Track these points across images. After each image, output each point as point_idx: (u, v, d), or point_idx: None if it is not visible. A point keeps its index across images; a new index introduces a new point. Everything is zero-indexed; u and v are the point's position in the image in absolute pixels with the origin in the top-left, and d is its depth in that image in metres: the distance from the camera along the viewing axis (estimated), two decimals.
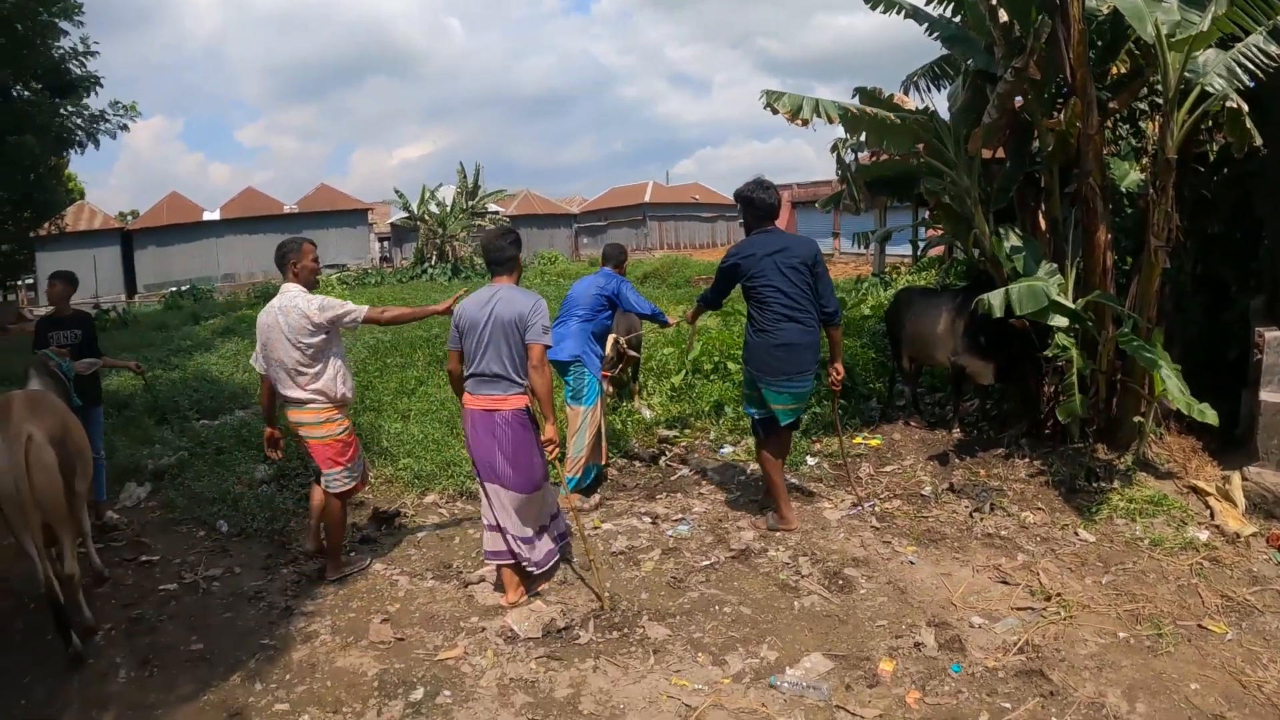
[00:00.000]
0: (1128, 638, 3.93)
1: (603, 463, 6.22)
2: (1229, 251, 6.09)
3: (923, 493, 5.66)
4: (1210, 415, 4.84)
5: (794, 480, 6.02)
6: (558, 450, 4.44)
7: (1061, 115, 5.01)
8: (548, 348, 4.30)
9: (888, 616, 4.20)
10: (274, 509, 5.91)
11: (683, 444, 7.09)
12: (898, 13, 6.01)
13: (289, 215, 42.20)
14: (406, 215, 34.39)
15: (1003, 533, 5.04)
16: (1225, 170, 6.11)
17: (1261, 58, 4.72)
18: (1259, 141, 4.85)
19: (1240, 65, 4.78)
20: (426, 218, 32.68)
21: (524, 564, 4.54)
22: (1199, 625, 4.01)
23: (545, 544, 4.64)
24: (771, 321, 4.90)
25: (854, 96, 6.00)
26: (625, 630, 4.20)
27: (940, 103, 6.51)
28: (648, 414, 7.54)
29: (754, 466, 6.35)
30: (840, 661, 3.84)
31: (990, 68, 5.57)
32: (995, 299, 5.15)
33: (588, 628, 4.24)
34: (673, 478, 6.38)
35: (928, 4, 6.07)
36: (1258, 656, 3.76)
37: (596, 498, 6.01)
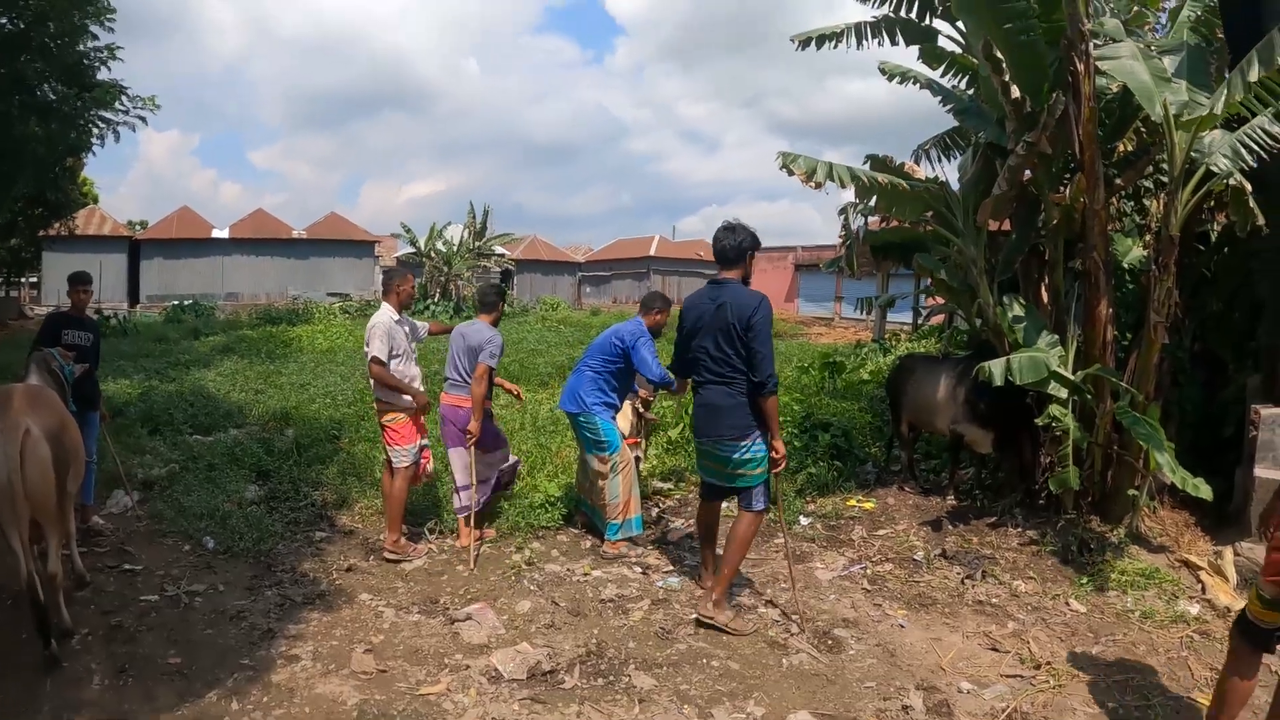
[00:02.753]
0: (1115, 707, 3.90)
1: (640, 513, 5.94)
2: (1227, 330, 6.14)
3: (915, 557, 5.61)
4: (1204, 490, 4.86)
5: (779, 540, 5.91)
6: (473, 439, 5.67)
7: (1068, 190, 5.08)
8: (491, 368, 5.59)
9: (876, 678, 4.14)
10: (262, 530, 5.84)
11: (676, 497, 7.00)
12: (913, 83, 6.14)
13: (297, 240, 42.56)
14: (413, 250, 34.57)
15: (994, 600, 5.00)
16: (1225, 249, 6.19)
17: (1266, 139, 4.81)
18: (1261, 221, 4.94)
19: (1245, 146, 4.86)
20: (433, 254, 32.90)
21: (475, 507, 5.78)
22: (1189, 698, 3.99)
23: (486, 491, 6.04)
24: (698, 381, 4.71)
25: (865, 163, 6.10)
26: (611, 678, 4.13)
27: (950, 173, 6.62)
28: (642, 466, 7.42)
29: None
30: None
31: (1000, 141, 5.69)
32: (996, 367, 5.18)
33: (573, 673, 4.17)
34: (666, 529, 6.32)
35: (942, 77, 6.20)
36: None
37: (583, 543, 5.98)
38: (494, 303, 5.94)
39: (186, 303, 30.48)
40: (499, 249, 38.14)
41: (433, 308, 29.25)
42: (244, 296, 38.75)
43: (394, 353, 5.50)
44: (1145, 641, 4.52)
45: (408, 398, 5.56)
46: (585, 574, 5.42)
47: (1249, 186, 4.85)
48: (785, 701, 3.93)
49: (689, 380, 4.99)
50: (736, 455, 4.57)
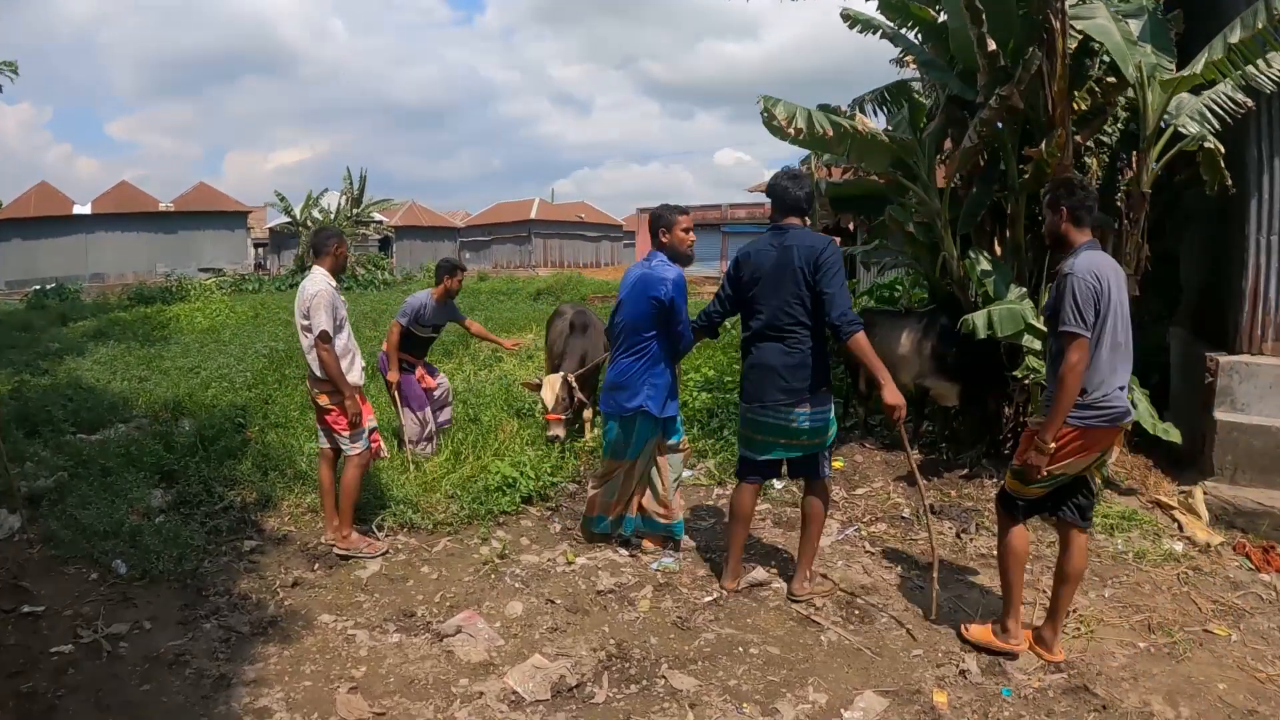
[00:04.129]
0: (1147, 647, 3.87)
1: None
2: (1152, 284, 6.18)
3: (903, 515, 5.40)
4: (1174, 434, 4.93)
5: (765, 505, 5.50)
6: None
7: (1043, 146, 4.87)
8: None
9: (921, 646, 3.87)
10: (181, 545, 4.69)
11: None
12: (874, 32, 5.73)
13: (165, 214, 38.37)
14: (288, 220, 31.60)
15: (995, 552, 4.71)
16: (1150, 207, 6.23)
17: (1230, 104, 4.85)
18: (1229, 181, 4.96)
19: (1210, 110, 4.89)
20: (309, 224, 30.00)
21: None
22: (1204, 630, 4.02)
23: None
24: (750, 340, 4.16)
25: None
26: (645, 682, 3.58)
27: (883, 126, 6.27)
28: (590, 437, 6.70)
29: (719, 490, 5.88)
30: (893, 698, 3.47)
31: (964, 94, 5.49)
32: (979, 320, 5.02)
33: (602, 683, 3.58)
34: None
35: (900, 29, 5.81)
36: (1263, 654, 3.83)
37: (555, 526, 5.33)
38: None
39: (49, 286, 26.55)
40: (377, 215, 35.59)
41: None
42: (110, 276, 34.55)
43: (339, 324, 4.65)
44: (1147, 581, 4.51)
45: (356, 377, 4.71)
46: (569, 563, 4.77)
47: (1223, 149, 4.86)
48: (843, 684, 3.58)
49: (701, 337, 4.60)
50: (798, 423, 4.04)
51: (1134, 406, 4.88)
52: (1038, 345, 5.06)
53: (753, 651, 3.80)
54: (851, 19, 5.81)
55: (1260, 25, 4.25)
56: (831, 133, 4.83)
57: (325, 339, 4.52)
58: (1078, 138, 5.29)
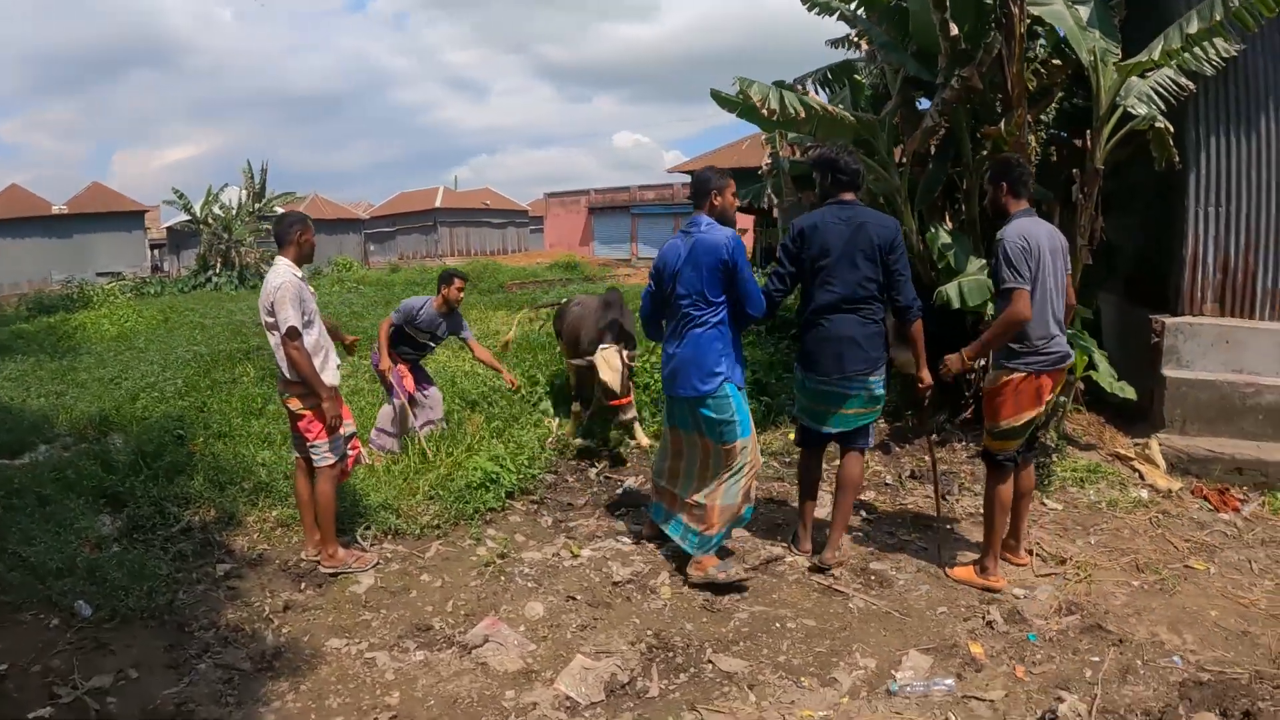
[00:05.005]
0: (1141, 585, 4.09)
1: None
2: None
3: (886, 481, 5.50)
4: (1130, 391, 5.15)
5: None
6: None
7: (1002, 125, 4.96)
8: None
9: (944, 603, 3.95)
10: (148, 576, 4.05)
11: (607, 454, 6.06)
12: (831, 15, 5.75)
13: (59, 217, 34.82)
14: (188, 219, 28.81)
15: (981, 511, 4.81)
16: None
17: (1173, 87, 5.14)
18: (1177, 158, 5.25)
19: (1156, 92, 5.16)
20: (210, 221, 27.52)
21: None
22: (1185, 566, 4.28)
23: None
24: (820, 311, 4.03)
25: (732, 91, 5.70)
26: (693, 670, 3.44)
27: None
28: (554, 425, 6.42)
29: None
30: (935, 654, 3.52)
31: (922, 75, 5.59)
32: (951, 292, 5.20)
33: (652, 676, 3.40)
34: (618, 491, 5.47)
35: (856, 10, 5.83)
36: (1239, 583, 4.10)
37: (544, 519, 5.07)
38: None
39: None
40: (280, 209, 33.28)
41: (215, 279, 24.60)
42: (4, 286, 30.89)
43: (307, 319, 4.15)
44: (1125, 527, 4.74)
45: (331, 376, 4.23)
46: (574, 556, 4.53)
47: (1171, 128, 5.13)
48: (886, 646, 3.59)
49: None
50: (866, 391, 4.11)
51: (1095, 368, 5.12)
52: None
53: (790, 626, 3.74)
54: (810, 2, 5.82)
55: (1217, 18, 4.54)
56: (804, 113, 4.81)
57: (293, 335, 4.03)
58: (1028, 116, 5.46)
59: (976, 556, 4.14)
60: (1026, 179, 3.88)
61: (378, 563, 4.38)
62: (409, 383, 5.82)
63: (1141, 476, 5.17)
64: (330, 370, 4.24)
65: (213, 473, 5.26)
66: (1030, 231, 3.75)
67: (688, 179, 26.43)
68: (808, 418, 4.30)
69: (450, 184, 53.02)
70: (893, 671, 3.36)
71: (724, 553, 4.27)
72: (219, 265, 27.03)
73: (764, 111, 4.84)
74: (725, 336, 4.04)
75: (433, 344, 5.97)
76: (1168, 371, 5.51)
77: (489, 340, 8.30)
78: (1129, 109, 5.12)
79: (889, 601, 3.92)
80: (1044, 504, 4.97)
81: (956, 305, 5.09)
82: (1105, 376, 5.12)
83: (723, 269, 3.94)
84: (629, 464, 5.99)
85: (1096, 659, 3.42)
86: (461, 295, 5.82)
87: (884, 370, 4.12)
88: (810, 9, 5.83)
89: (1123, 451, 5.40)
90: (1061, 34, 5.29)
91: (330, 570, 4.28)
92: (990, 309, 5.12)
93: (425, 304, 5.76)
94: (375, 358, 5.79)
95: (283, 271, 4.15)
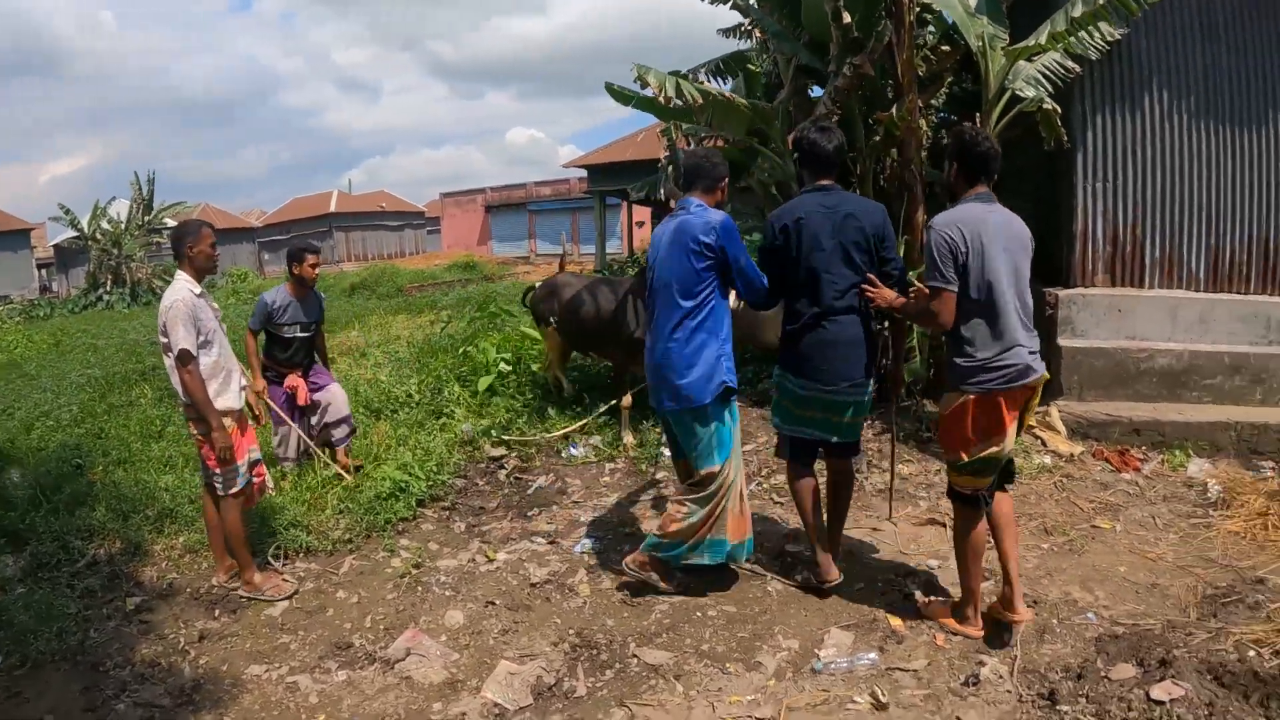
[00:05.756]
0: (1050, 547, 4.25)
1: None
2: None
3: None
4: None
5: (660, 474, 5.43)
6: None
7: (895, 110, 5.10)
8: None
9: (860, 579, 3.99)
10: (55, 615, 3.86)
11: (514, 455, 5.97)
12: (724, 4, 5.84)
13: None
14: (75, 235, 27.37)
15: (883, 482, 5.03)
16: None
17: (1060, 69, 5.34)
18: (1065, 138, 5.47)
19: (1043, 75, 5.36)
20: (99, 237, 26.17)
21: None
22: (1091, 526, 4.46)
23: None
24: (818, 313, 3.57)
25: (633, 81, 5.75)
26: (619, 666, 3.45)
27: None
28: (467, 428, 6.29)
29: (613, 465, 5.71)
30: (856, 630, 3.60)
31: (813, 64, 5.67)
32: None
33: (577, 675, 3.39)
34: (529, 491, 5.46)
35: (751, 1, 5.93)
36: (1145, 539, 4.32)
37: (457, 526, 5.00)
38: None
39: None
40: (170, 221, 31.77)
41: (106, 297, 23.40)
42: None
43: (204, 339, 3.94)
44: (1032, 492, 4.90)
45: (230, 400, 4.04)
46: (490, 560, 4.48)
47: (1059, 109, 5.31)
48: (808, 625, 3.65)
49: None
50: (865, 398, 3.71)
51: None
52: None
53: (711, 614, 3.76)
54: None
55: (1101, 2, 4.73)
56: (700, 100, 4.86)
57: (185, 359, 3.82)
58: (919, 101, 5.62)
59: (956, 596, 3.59)
60: (984, 159, 3.25)
61: (296, 592, 4.20)
62: (303, 394, 5.34)
63: (1044, 443, 5.35)
64: (231, 394, 4.05)
65: (115, 502, 5.05)
66: (965, 223, 3.17)
67: (584, 174, 26.00)
68: (804, 427, 3.76)
69: (345, 187, 51.59)
70: (816, 650, 3.40)
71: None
72: (110, 283, 25.97)
73: (661, 98, 4.87)
74: (705, 339, 3.61)
75: (308, 334, 5.38)
76: (1063, 341, 5.71)
77: (390, 345, 8.18)
78: (1018, 92, 5.31)
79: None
80: None
81: None
82: None
83: (705, 254, 3.56)
84: (538, 462, 5.88)
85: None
86: (316, 272, 5.35)
87: (872, 377, 3.70)
88: (711, 1, 5.88)
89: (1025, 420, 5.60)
90: (951, 21, 5.45)
91: (247, 595, 4.14)
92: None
93: (279, 293, 5.30)
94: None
95: (178, 288, 3.95)
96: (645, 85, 4.99)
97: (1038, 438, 5.42)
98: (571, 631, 3.67)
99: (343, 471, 5.25)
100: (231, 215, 46.93)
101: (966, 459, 3.28)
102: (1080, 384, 5.66)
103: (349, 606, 4.06)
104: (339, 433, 5.48)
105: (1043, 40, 4.98)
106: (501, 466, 5.82)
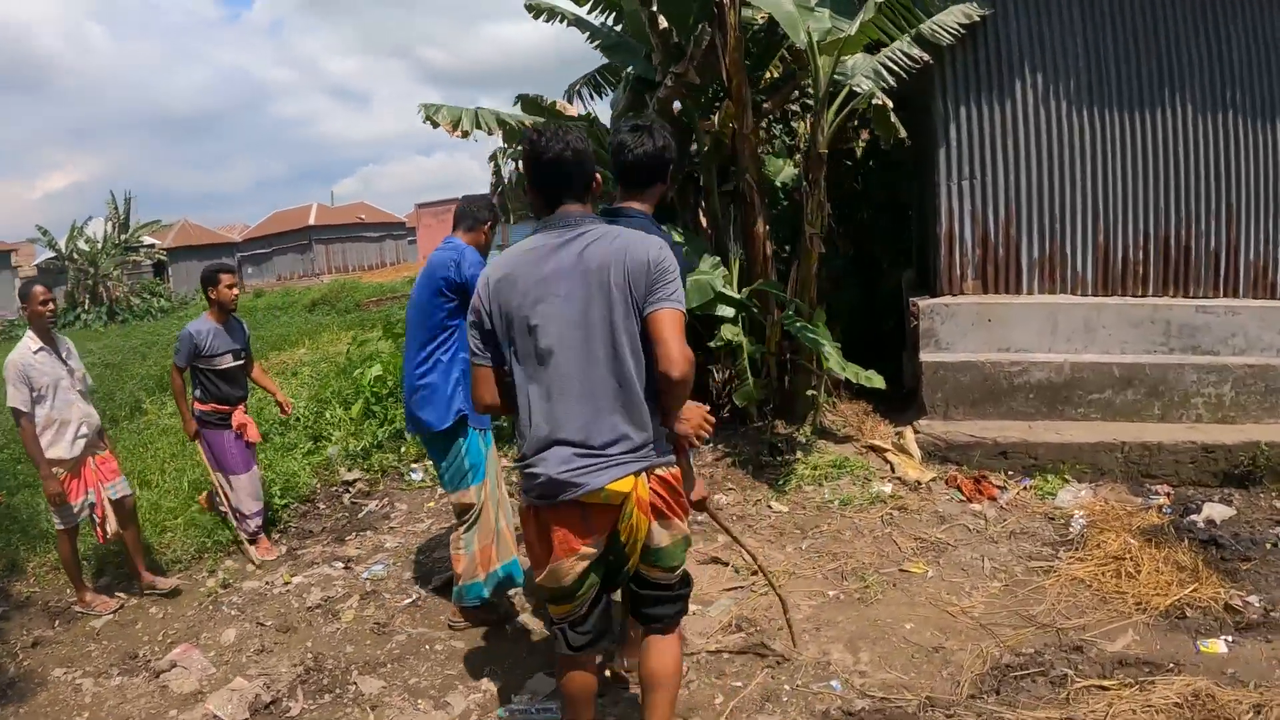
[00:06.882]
0: (837, 595, 4.13)
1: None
2: (880, 234, 6.68)
3: None
4: (877, 380, 5.27)
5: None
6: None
7: (716, 118, 5.21)
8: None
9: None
10: None
11: (365, 478, 6.50)
12: (560, 21, 6.05)
13: None
14: (54, 255, 30.07)
15: (699, 518, 5.04)
16: (871, 163, 6.69)
17: (905, 60, 5.20)
18: (903, 134, 5.37)
19: (886, 67, 5.22)
20: (76, 256, 28.90)
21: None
22: (900, 570, 4.29)
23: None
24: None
25: (516, 104, 5.97)
26: (338, 691, 3.82)
27: (603, 110, 6.66)
28: (333, 451, 6.83)
29: (441, 490, 6.02)
30: None
31: (649, 74, 5.77)
32: None
33: (296, 697, 3.80)
34: (360, 514, 5.92)
35: (590, 13, 6.15)
36: (960, 587, 4.10)
37: (279, 549, 5.51)
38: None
39: None
40: (147, 239, 34.08)
41: (84, 315, 25.87)
42: None
43: (37, 394, 4.58)
44: (850, 527, 4.81)
45: (63, 450, 4.67)
46: (286, 583, 4.98)
47: (890, 104, 5.21)
48: (519, 668, 3.82)
49: None
50: None
51: (828, 358, 5.21)
52: (730, 313, 5.41)
53: (438, 649, 4.02)
54: (535, 9, 6.04)
55: None
56: (499, 130, 5.13)
57: (17, 416, 4.48)
58: (767, 105, 5.71)
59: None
60: (550, 168, 2.49)
61: (120, 608, 4.85)
62: (252, 430, 5.30)
63: (892, 468, 5.22)
64: (63, 445, 4.63)
65: (6, 523, 5.94)
66: (498, 266, 2.54)
67: None
68: None
69: (327, 200, 53.28)
70: (512, 694, 3.57)
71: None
72: (87, 302, 27.88)
73: (456, 135, 5.06)
74: (444, 367, 3.89)
75: (241, 361, 5.30)
76: (925, 356, 5.53)
77: (323, 365, 8.80)
78: (855, 87, 5.16)
79: (543, 620, 3.96)
80: (770, 508, 5.05)
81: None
82: (837, 367, 5.20)
83: (449, 288, 3.77)
84: (381, 486, 6.33)
85: (740, 683, 3.42)
86: (235, 293, 5.25)
87: None
88: (536, 17, 6.04)
89: (878, 443, 5.44)
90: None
91: (81, 610, 4.82)
92: (726, 310, 5.30)
93: (202, 323, 5.17)
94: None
95: (17, 348, 4.57)
96: (435, 125, 5.16)
97: (888, 462, 5.29)
98: (311, 655, 4.05)
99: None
100: (210, 231, 48.87)
101: (538, 578, 2.59)
102: (945, 402, 5.47)
103: (155, 621, 4.64)
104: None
105: (852, 32, 4.83)
106: (348, 490, 6.29)
